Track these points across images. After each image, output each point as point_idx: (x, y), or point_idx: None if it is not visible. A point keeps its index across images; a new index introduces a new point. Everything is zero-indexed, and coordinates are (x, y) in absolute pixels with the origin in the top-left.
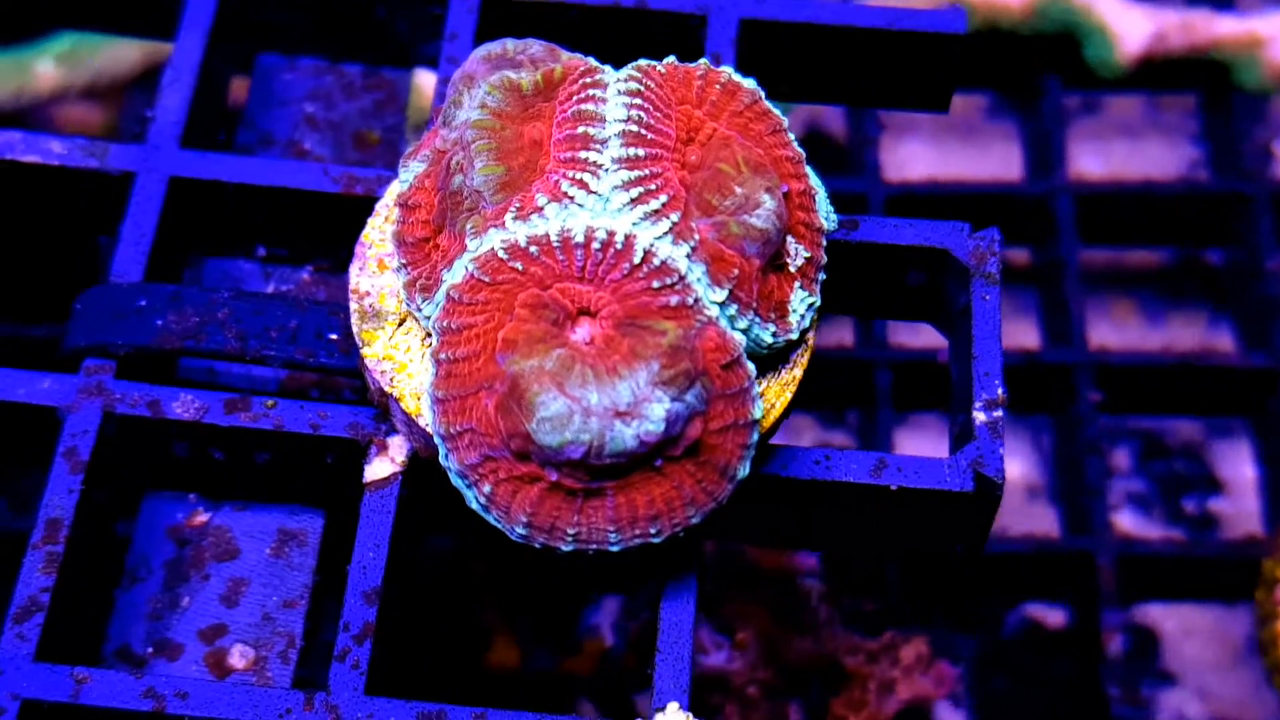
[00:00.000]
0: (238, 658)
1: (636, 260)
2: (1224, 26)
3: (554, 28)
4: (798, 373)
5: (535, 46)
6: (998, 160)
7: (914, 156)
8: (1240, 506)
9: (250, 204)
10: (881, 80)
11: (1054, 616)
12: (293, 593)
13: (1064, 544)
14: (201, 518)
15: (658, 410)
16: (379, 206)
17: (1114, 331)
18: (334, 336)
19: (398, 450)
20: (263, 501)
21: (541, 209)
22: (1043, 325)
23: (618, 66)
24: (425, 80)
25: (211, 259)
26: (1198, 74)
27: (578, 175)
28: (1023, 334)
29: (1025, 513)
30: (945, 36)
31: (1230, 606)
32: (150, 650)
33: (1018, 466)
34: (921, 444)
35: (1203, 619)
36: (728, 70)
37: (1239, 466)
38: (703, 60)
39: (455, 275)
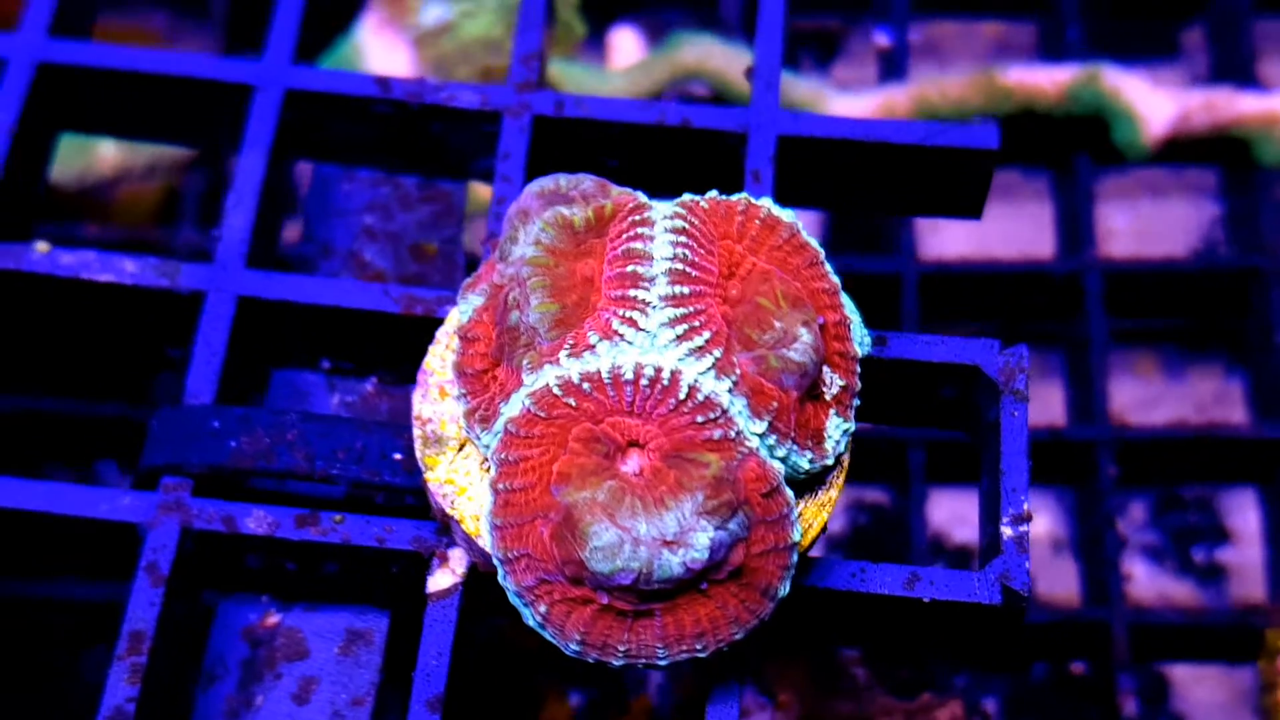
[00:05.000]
0: None
1: (682, 396)
2: (1245, 105)
3: (604, 142)
4: (834, 494)
5: (587, 182)
6: (1033, 223)
7: (954, 225)
8: (1248, 558)
9: (315, 321)
10: (916, 191)
11: (1078, 664)
12: (360, 690)
13: (1083, 613)
14: (274, 619)
15: (702, 539)
16: (439, 334)
17: (1136, 387)
18: (398, 456)
19: (458, 562)
20: (331, 602)
21: (594, 346)
22: (1069, 391)
23: (663, 175)
24: (481, 192)
25: (278, 370)
26: (1219, 150)
27: (627, 313)
28: (1050, 398)
29: (1050, 566)
30: (978, 151)
31: (1237, 666)
32: None
33: (1044, 523)
34: (955, 503)
35: (1213, 668)
36: (767, 204)
37: (1248, 519)
38: (744, 195)
39: (513, 409)
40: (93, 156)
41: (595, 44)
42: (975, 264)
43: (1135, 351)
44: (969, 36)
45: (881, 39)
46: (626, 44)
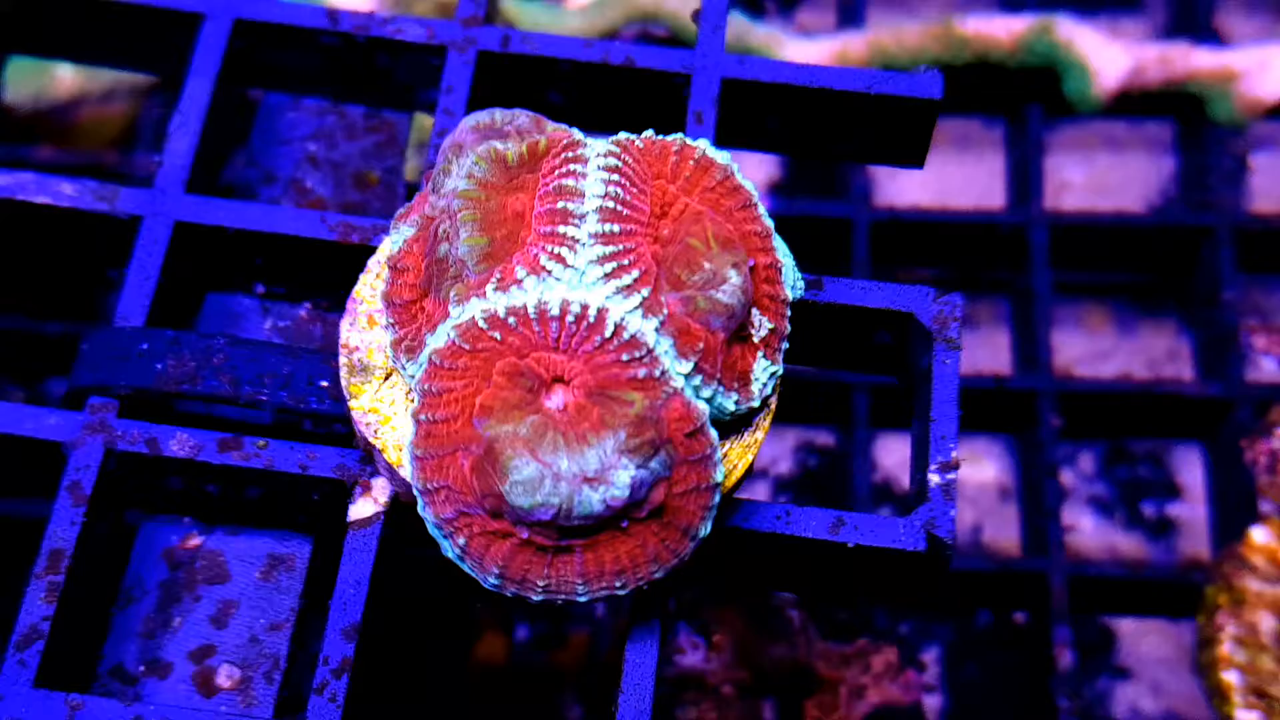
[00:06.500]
0: (224, 678)
1: (608, 334)
2: (1200, 60)
3: (547, 79)
4: (760, 435)
5: (522, 117)
6: (988, 172)
7: (910, 173)
8: (1197, 514)
9: (251, 247)
10: (859, 138)
11: (1020, 614)
12: (279, 616)
13: (1021, 563)
14: (195, 541)
15: (623, 477)
16: (370, 263)
17: (1087, 341)
18: (325, 383)
19: (381, 492)
20: (254, 527)
21: (520, 281)
22: (1016, 340)
23: (607, 115)
24: (425, 123)
25: (212, 294)
26: (1173, 104)
27: (556, 249)
28: (998, 347)
29: (998, 514)
30: (921, 101)
31: (1179, 621)
32: (142, 669)
33: (992, 471)
34: (907, 449)
35: (1157, 621)
36: (703, 145)
37: (1196, 474)
38: (679, 135)
39: (438, 340)
40: (49, 79)
41: None
42: (925, 213)
43: (1087, 305)
44: None
45: None
46: None
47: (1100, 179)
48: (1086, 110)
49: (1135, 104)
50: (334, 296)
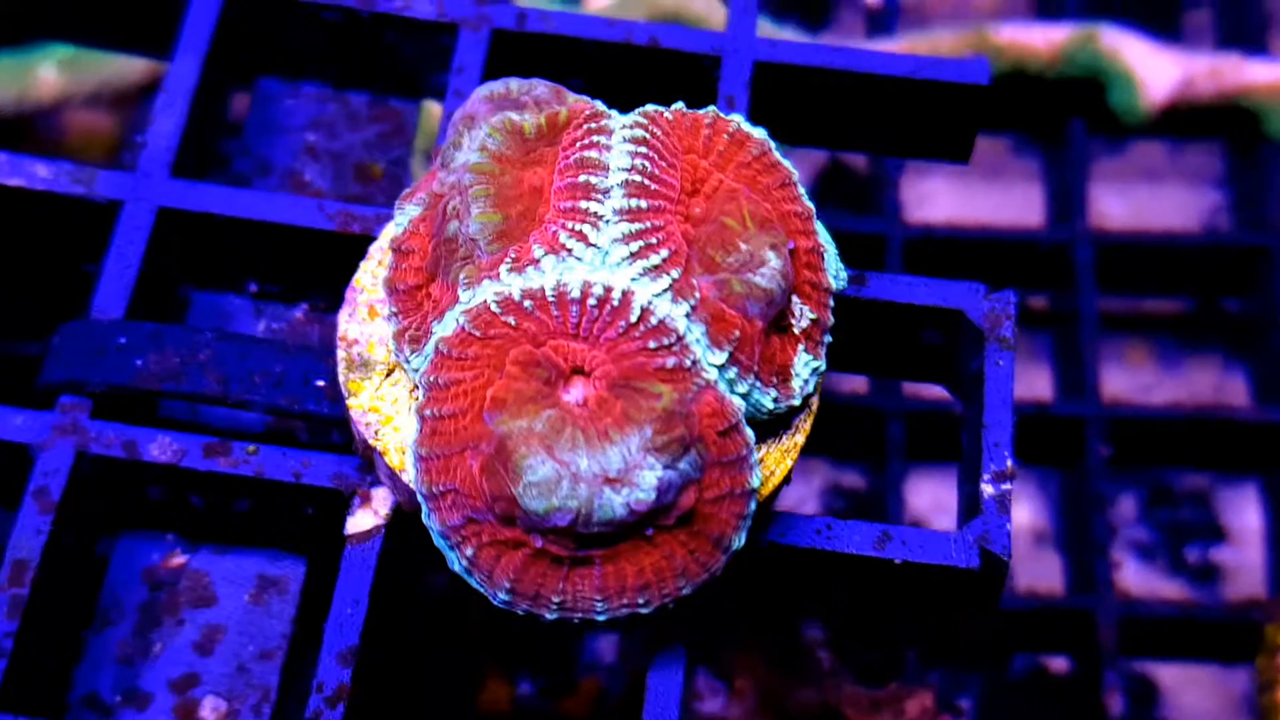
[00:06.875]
0: (209, 710)
1: (633, 319)
2: (1254, 73)
3: (565, 62)
4: (799, 439)
5: (540, 87)
6: (1021, 200)
7: (935, 193)
8: (1244, 559)
9: (242, 238)
10: (901, 129)
11: (1059, 663)
12: (270, 643)
13: (1066, 601)
14: (179, 559)
15: (649, 478)
16: (372, 249)
17: (1127, 376)
18: (321, 383)
19: (381, 503)
20: (243, 545)
21: (538, 261)
22: (1056, 373)
23: (628, 105)
24: (434, 112)
25: (200, 293)
26: (1224, 120)
27: (577, 226)
28: (1037, 380)
29: (1032, 560)
30: (968, 87)
31: (1231, 666)
32: (119, 699)
33: (1025, 512)
34: (938, 489)
35: (1203, 672)
36: (737, 119)
37: (1245, 516)
38: (711, 108)
39: (445, 327)
40: (31, 80)
41: None
42: (962, 229)
43: (1128, 340)
44: (960, 5)
45: None
46: None
47: (1140, 210)
48: (1133, 123)
49: (1183, 122)
50: (332, 296)
